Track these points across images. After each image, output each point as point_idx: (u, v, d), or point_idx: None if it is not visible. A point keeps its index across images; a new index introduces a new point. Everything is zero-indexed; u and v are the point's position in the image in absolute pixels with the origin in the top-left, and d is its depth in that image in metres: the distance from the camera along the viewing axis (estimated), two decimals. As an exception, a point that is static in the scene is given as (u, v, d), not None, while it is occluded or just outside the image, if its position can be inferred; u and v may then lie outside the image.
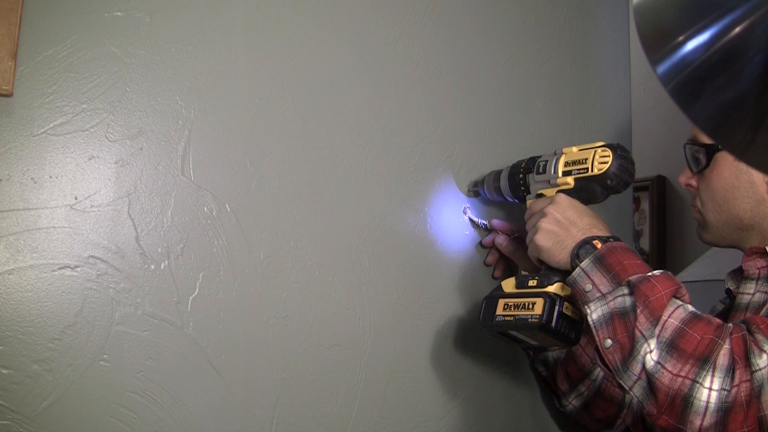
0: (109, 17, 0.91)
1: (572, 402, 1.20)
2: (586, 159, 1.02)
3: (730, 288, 1.08)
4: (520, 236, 1.21)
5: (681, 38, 0.52)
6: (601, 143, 1.03)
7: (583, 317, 0.95)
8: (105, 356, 0.88)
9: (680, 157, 1.12)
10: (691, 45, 0.52)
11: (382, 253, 1.12)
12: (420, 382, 1.15)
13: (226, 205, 0.98)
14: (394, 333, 1.13)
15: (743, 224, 1.03)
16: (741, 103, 0.53)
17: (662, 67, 0.53)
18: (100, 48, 0.90)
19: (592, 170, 1.01)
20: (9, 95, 0.83)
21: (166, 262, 0.93)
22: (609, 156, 1.00)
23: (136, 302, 0.90)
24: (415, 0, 1.20)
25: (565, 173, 1.05)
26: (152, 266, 0.92)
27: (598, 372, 1.19)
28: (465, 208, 1.23)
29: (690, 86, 0.53)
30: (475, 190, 1.22)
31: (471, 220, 1.23)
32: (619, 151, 1.01)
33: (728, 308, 1.07)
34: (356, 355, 1.08)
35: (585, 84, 1.47)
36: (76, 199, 0.88)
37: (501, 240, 1.20)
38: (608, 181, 1.00)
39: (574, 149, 1.05)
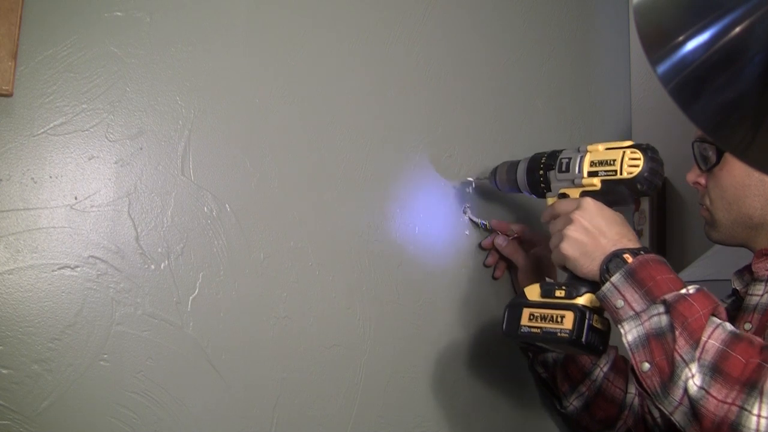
0: (109, 17, 0.91)
1: (573, 403, 1.20)
2: (614, 160, 0.97)
3: (737, 288, 1.07)
4: (519, 237, 1.21)
5: (681, 38, 0.52)
6: (630, 143, 0.98)
7: (611, 327, 0.93)
8: (105, 356, 0.88)
9: (680, 157, 1.12)
10: (691, 45, 0.52)
11: (382, 253, 1.12)
12: (420, 382, 1.15)
13: (226, 205, 0.98)
14: (394, 333, 1.13)
15: (753, 223, 1.02)
16: (741, 103, 0.53)
17: (662, 67, 0.52)
18: (100, 48, 0.90)
19: (621, 173, 0.96)
20: (9, 95, 0.83)
21: (166, 262, 0.93)
22: (640, 159, 0.95)
23: (136, 302, 0.90)
24: (415, 0, 1.20)
25: (591, 174, 0.99)
26: (152, 266, 0.92)
27: (599, 372, 1.18)
28: (465, 207, 1.23)
29: (690, 86, 0.53)
30: (486, 179, 1.19)
31: (471, 220, 1.23)
32: (650, 152, 0.96)
33: (734, 307, 1.06)
34: (356, 355, 1.08)
35: (585, 84, 1.47)
36: (76, 199, 0.88)
37: (501, 241, 1.20)
38: (638, 186, 0.95)
39: (600, 147, 1.00)
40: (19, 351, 0.83)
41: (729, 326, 0.84)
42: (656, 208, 2.36)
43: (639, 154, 0.95)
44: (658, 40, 0.53)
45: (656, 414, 1.15)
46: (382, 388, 1.11)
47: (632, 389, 1.18)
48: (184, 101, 0.96)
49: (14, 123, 0.85)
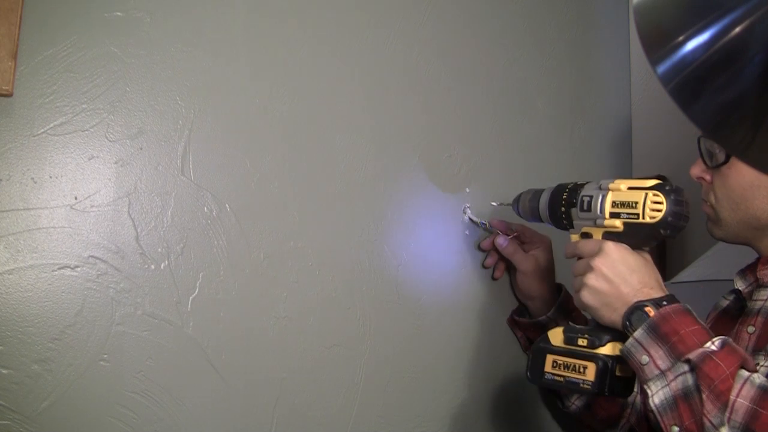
0: (109, 17, 0.91)
1: (575, 402, 1.20)
2: (636, 203, 0.93)
3: (740, 288, 1.07)
4: (519, 237, 1.21)
5: (681, 38, 0.52)
6: (653, 182, 0.94)
7: (634, 373, 0.92)
8: (105, 356, 0.88)
9: (680, 156, 1.11)
10: (691, 45, 0.52)
11: (382, 253, 1.12)
12: (420, 382, 1.15)
13: (226, 205, 0.98)
14: (394, 333, 1.13)
15: (760, 224, 1.01)
16: (741, 103, 0.53)
17: (662, 67, 0.52)
18: (100, 48, 0.90)
19: (643, 217, 0.92)
20: (9, 95, 0.83)
21: (166, 262, 0.93)
22: (662, 203, 0.91)
23: (136, 302, 0.90)
24: (415, 0, 1.20)
25: (613, 215, 0.96)
26: (152, 266, 0.92)
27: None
28: (465, 207, 1.23)
29: (690, 86, 0.53)
30: (509, 205, 1.17)
31: (471, 219, 1.23)
32: (674, 195, 0.91)
33: (736, 307, 1.06)
34: (356, 355, 1.08)
35: (585, 84, 1.47)
36: (76, 199, 0.88)
37: (501, 241, 1.20)
38: (661, 231, 0.92)
39: (623, 186, 0.96)
40: (19, 351, 0.83)
41: (758, 380, 0.82)
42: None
43: (661, 198, 0.92)
44: (658, 40, 0.53)
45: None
46: (382, 388, 1.11)
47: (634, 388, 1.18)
48: (184, 101, 0.96)
49: (14, 123, 0.85)
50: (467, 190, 1.24)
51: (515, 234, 1.20)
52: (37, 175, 0.86)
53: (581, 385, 0.94)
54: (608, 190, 0.97)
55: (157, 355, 0.91)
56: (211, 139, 0.98)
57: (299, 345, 1.03)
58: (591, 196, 0.99)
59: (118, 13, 0.92)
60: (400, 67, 1.17)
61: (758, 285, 1.02)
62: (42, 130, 0.86)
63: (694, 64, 0.52)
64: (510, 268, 1.25)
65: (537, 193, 1.10)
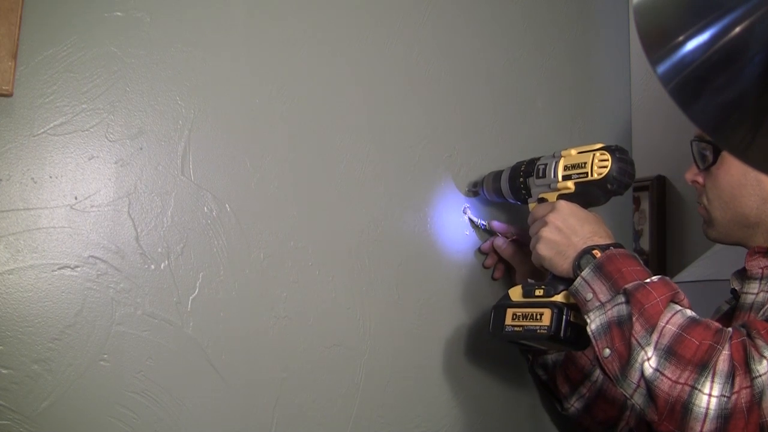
0: (109, 17, 0.91)
1: (574, 405, 1.20)
2: (585, 163, 1.02)
3: (736, 288, 1.07)
4: (518, 239, 1.21)
5: (681, 38, 0.52)
6: (599, 145, 1.02)
7: None
8: (105, 356, 0.88)
9: (680, 157, 1.12)
10: (691, 45, 0.52)
11: (382, 253, 1.12)
12: (420, 382, 1.15)
13: (226, 205, 0.98)
14: (394, 333, 1.13)
15: (749, 222, 1.03)
16: (741, 103, 0.53)
17: (662, 67, 0.52)
18: (100, 48, 0.90)
19: (591, 174, 1.01)
20: (9, 95, 0.83)
21: (166, 262, 0.93)
22: (608, 160, 0.99)
23: (136, 302, 0.90)
24: (415, 0, 1.20)
25: (565, 177, 1.05)
26: (152, 266, 0.92)
27: (598, 374, 1.18)
28: (465, 208, 1.23)
29: (690, 86, 0.53)
30: (474, 191, 1.22)
31: (471, 220, 1.23)
32: (618, 153, 1.00)
33: (734, 308, 1.06)
34: (356, 355, 1.08)
35: (585, 84, 1.47)
36: (76, 199, 0.88)
37: (500, 243, 1.20)
38: (608, 185, 1.00)
39: (573, 152, 1.05)
40: (19, 351, 0.83)
41: (689, 312, 0.88)
42: (656, 208, 2.36)
43: (607, 155, 1.00)
44: (658, 40, 0.53)
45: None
46: (382, 388, 1.11)
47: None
48: (184, 101, 0.96)
49: (14, 123, 0.85)
50: (467, 191, 1.24)
51: (515, 237, 1.20)
52: (37, 175, 0.86)
53: (538, 330, 1.00)
54: (561, 156, 1.06)
55: (157, 355, 0.91)
56: (211, 139, 0.98)
57: (299, 345, 1.03)
58: (546, 164, 1.08)
59: (118, 13, 0.92)
60: (400, 67, 1.17)
61: (747, 277, 1.03)
62: (42, 130, 0.86)
63: (694, 64, 0.52)
64: (510, 268, 1.25)
65: (498, 174, 1.17)
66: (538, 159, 1.11)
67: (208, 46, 0.98)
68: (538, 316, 1.00)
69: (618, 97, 1.54)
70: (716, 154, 1.03)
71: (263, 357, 1.00)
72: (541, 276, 1.19)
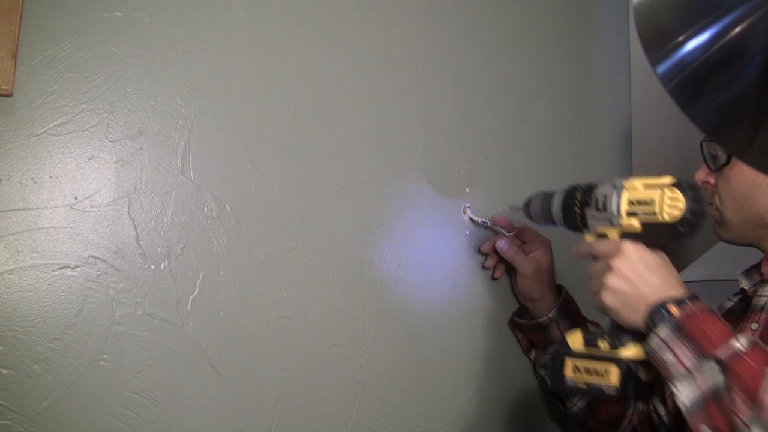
0: (109, 17, 0.91)
1: (577, 404, 1.20)
2: (652, 200, 0.90)
3: (745, 287, 1.07)
4: (519, 235, 1.21)
5: (681, 38, 0.52)
6: (669, 180, 0.91)
7: (655, 377, 0.92)
8: (105, 356, 0.88)
9: (680, 156, 1.12)
10: (691, 45, 0.52)
11: (382, 253, 1.12)
12: (420, 382, 1.15)
13: (226, 205, 0.98)
14: (394, 333, 1.13)
15: (764, 222, 1.01)
16: (741, 103, 0.53)
17: (662, 67, 0.52)
18: (100, 48, 0.90)
19: (661, 215, 0.90)
20: (9, 95, 0.83)
21: (166, 262, 0.93)
22: (680, 201, 0.89)
23: (136, 302, 0.90)
24: (414, 0, 1.20)
25: (630, 214, 0.93)
26: (152, 266, 0.92)
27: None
28: (465, 207, 1.23)
29: (690, 86, 0.53)
30: (520, 209, 1.15)
31: (471, 219, 1.23)
32: (691, 192, 0.89)
33: (741, 306, 1.06)
34: (356, 355, 1.08)
35: (585, 84, 1.47)
36: (76, 199, 0.88)
37: (501, 244, 1.20)
38: (680, 228, 0.89)
39: (638, 184, 0.93)
40: (19, 351, 0.83)
41: None
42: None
43: (678, 195, 0.89)
44: (658, 40, 0.53)
45: (662, 412, 1.15)
46: (382, 388, 1.11)
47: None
48: (184, 101, 0.96)
49: (14, 123, 0.85)
50: (467, 190, 1.24)
51: (516, 231, 1.20)
52: (37, 175, 0.86)
53: (605, 391, 0.93)
54: (623, 188, 0.95)
55: (157, 355, 0.91)
56: (211, 139, 0.98)
57: (299, 345, 1.03)
58: (606, 195, 0.96)
59: (118, 13, 0.92)
60: (400, 67, 1.17)
61: (762, 281, 1.03)
62: (42, 130, 0.86)
63: (694, 64, 0.52)
64: (510, 269, 1.25)
65: (548, 196, 1.08)
66: (596, 186, 0.99)
67: (208, 46, 0.98)
68: (604, 373, 0.93)
69: (618, 97, 1.54)
70: (729, 154, 1.02)
71: (263, 357, 1.00)
72: (542, 278, 1.19)
